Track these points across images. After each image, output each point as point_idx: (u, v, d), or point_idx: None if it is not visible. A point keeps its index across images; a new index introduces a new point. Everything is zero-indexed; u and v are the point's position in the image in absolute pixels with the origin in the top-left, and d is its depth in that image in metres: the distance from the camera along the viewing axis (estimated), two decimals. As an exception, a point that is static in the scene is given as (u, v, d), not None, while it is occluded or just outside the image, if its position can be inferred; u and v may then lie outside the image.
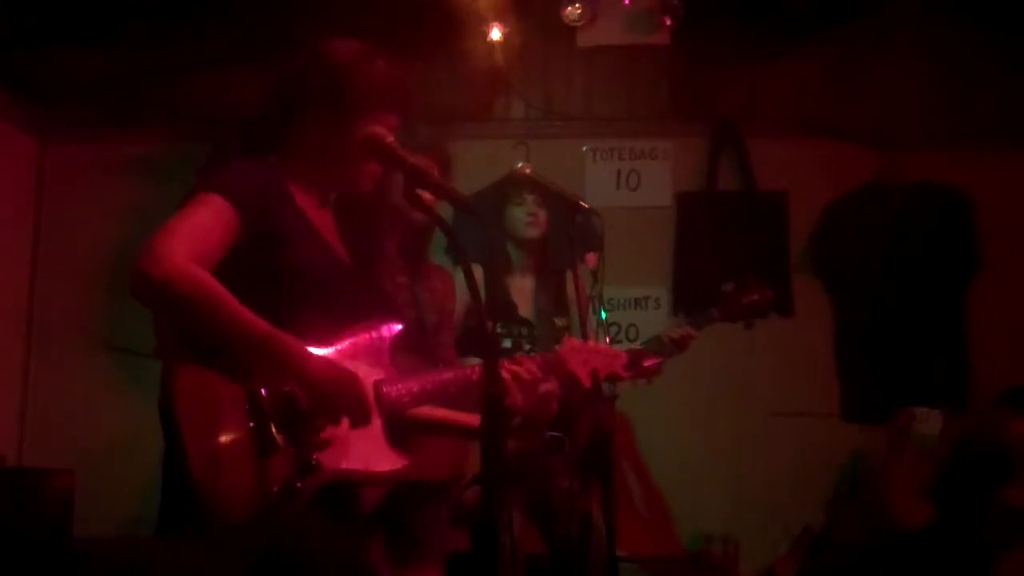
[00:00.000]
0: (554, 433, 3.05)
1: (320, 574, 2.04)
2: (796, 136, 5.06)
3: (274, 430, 1.95)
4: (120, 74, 5.07)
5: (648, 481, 4.91)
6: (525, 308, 3.79)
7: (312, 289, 2.13)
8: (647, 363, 3.47)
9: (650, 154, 5.19)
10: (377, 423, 2.15)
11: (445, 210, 2.21)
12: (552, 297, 3.84)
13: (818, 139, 5.03)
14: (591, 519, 3.03)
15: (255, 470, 1.92)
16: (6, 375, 5.05)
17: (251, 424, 1.94)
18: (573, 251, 3.04)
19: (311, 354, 2.03)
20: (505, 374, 2.31)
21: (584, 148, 5.20)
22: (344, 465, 2.03)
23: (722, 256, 4.91)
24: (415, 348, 2.67)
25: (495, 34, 4.95)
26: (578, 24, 5.09)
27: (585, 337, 2.75)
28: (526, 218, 3.83)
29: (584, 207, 3.12)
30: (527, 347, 3.58)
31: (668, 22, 5.01)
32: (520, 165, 3.95)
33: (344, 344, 2.14)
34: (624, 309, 5.04)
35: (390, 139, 2.18)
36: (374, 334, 2.23)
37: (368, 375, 2.15)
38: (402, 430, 2.21)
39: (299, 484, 1.94)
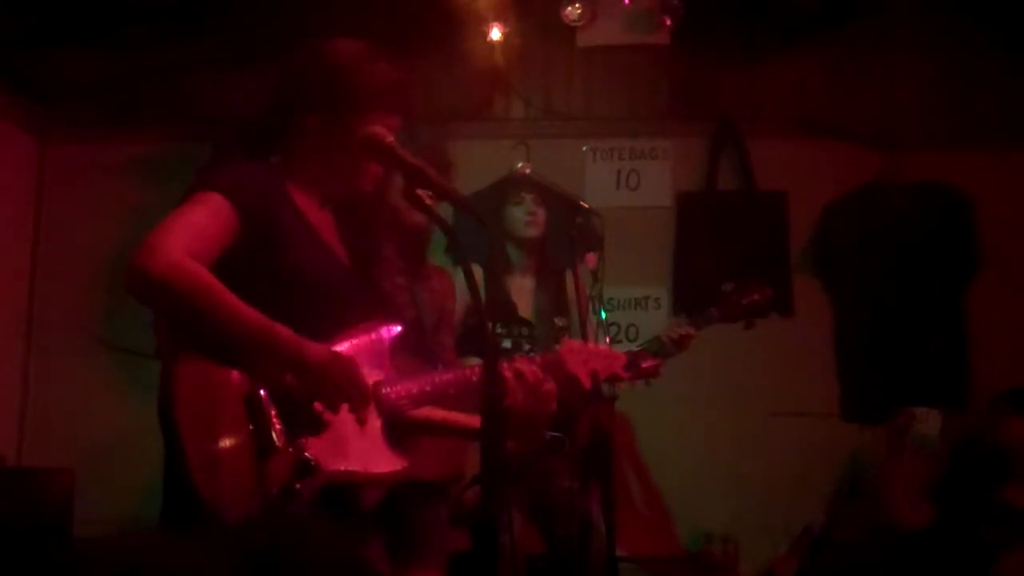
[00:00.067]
0: (554, 433, 3.05)
1: (320, 574, 2.04)
2: (796, 136, 5.06)
3: (274, 432, 1.95)
4: (120, 74, 5.07)
5: (648, 481, 4.91)
6: (525, 308, 3.79)
7: (311, 290, 2.13)
8: (646, 364, 3.47)
9: (650, 154, 5.19)
10: (376, 424, 2.15)
11: (445, 210, 2.21)
12: (552, 297, 3.83)
13: (818, 139, 5.03)
14: (591, 519, 3.03)
15: (255, 472, 1.92)
16: (6, 375, 5.05)
17: (251, 426, 1.94)
18: (573, 251, 3.04)
19: (308, 342, 2.03)
20: (508, 373, 2.31)
21: (584, 148, 5.19)
22: (343, 466, 2.03)
23: (722, 256, 4.90)
24: (415, 349, 2.67)
25: (495, 34, 4.95)
26: (578, 24, 5.09)
27: (585, 337, 2.75)
28: (525, 218, 3.83)
29: (584, 207, 3.12)
30: (527, 347, 3.58)
31: (668, 22, 5.01)
32: (520, 165, 3.95)
33: (344, 345, 2.14)
34: (624, 309, 5.04)
35: (390, 139, 2.17)
36: (374, 335, 2.23)
37: (368, 376, 2.14)
38: (401, 431, 2.20)
39: (298, 485, 1.94)
